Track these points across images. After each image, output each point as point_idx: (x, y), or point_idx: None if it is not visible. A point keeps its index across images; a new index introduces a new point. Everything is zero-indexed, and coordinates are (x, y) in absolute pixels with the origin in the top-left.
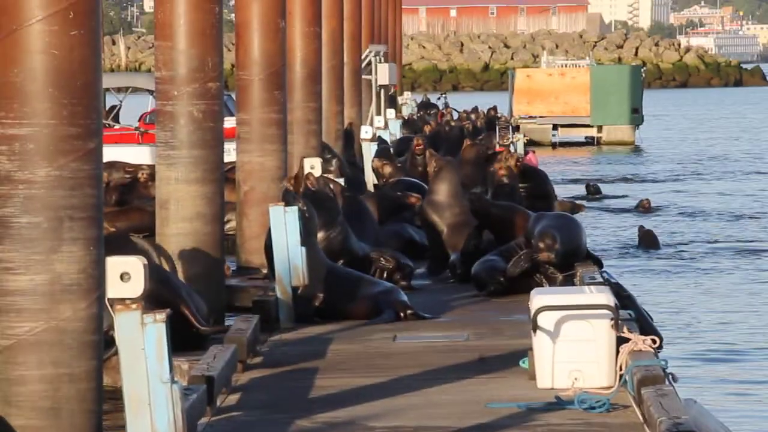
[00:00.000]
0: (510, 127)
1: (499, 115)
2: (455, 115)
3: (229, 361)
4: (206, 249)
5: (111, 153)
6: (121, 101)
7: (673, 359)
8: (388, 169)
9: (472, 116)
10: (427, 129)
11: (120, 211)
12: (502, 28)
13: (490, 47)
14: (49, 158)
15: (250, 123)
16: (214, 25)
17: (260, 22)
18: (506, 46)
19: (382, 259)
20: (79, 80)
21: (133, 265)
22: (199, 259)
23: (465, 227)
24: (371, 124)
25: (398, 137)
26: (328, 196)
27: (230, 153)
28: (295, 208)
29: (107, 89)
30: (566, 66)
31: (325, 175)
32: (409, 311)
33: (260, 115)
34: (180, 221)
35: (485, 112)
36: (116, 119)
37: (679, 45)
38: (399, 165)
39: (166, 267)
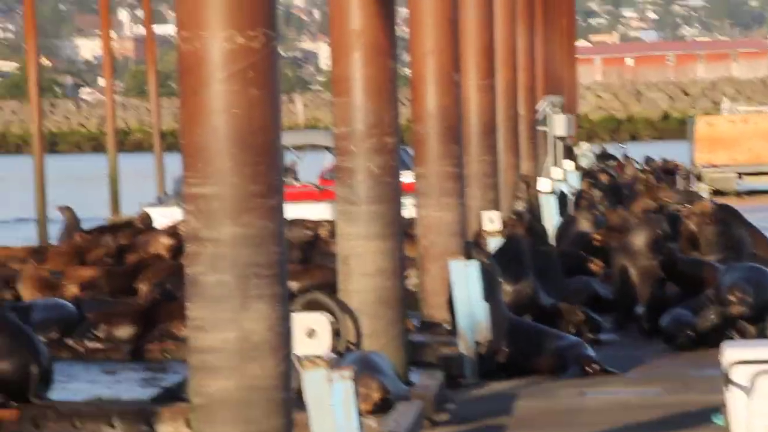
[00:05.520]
0: (691, 176)
1: (677, 164)
2: (636, 166)
3: (416, 418)
4: (388, 304)
5: (291, 210)
6: (299, 158)
7: None
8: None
9: (653, 166)
10: (603, 178)
11: (303, 268)
12: (680, 75)
13: (668, 95)
14: (233, 216)
15: (427, 177)
16: (389, 80)
17: (435, 76)
18: (685, 93)
19: (572, 311)
20: (260, 138)
21: (319, 322)
22: (382, 315)
23: (651, 279)
24: (549, 176)
25: (577, 189)
26: (520, 249)
27: (408, 208)
28: (475, 262)
29: (286, 147)
30: (749, 112)
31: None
32: (595, 366)
33: (437, 168)
34: (361, 277)
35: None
36: (296, 177)
37: None
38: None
39: (349, 324)
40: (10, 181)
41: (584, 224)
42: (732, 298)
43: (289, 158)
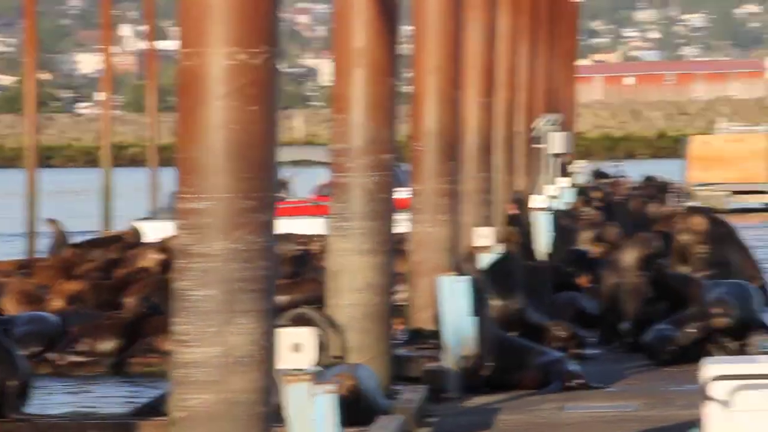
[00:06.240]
0: (683, 194)
1: (671, 182)
2: (630, 184)
3: (398, 431)
4: (376, 320)
5: (286, 225)
6: (296, 174)
7: None
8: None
9: (647, 184)
10: (597, 195)
11: (293, 282)
12: (679, 95)
13: (666, 114)
14: (225, 231)
15: (422, 193)
16: (389, 98)
17: (435, 94)
18: (683, 113)
19: (557, 328)
20: (256, 154)
21: (305, 337)
22: (369, 330)
23: (638, 295)
24: (544, 193)
25: (571, 206)
26: (511, 265)
27: (401, 224)
28: (465, 278)
29: (283, 162)
30: (743, 132)
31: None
32: (577, 381)
33: (433, 185)
34: (350, 292)
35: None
36: (291, 192)
37: None
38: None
39: (335, 338)
40: (2, 195)
41: (583, 240)
42: (715, 311)
43: (285, 174)
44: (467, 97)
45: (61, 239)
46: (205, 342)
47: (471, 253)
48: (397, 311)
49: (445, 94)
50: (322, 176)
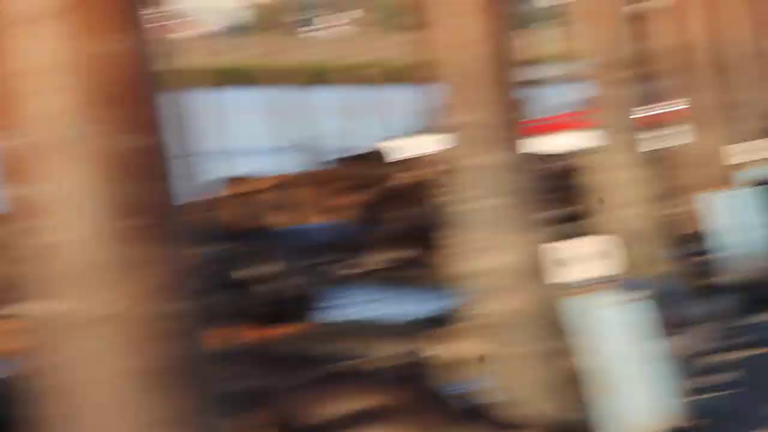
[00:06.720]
0: None
1: None
2: None
3: (705, 340)
4: (648, 233)
5: (546, 141)
6: (544, 92)
7: None
8: None
9: None
10: None
11: (559, 197)
12: None
13: None
14: (496, 144)
15: (692, 108)
16: (645, 12)
17: (700, 6)
18: None
19: None
20: (508, 72)
21: (605, 246)
22: (644, 243)
23: None
24: None
25: None
26: None
27: (661, 139)
28: (739, 192)
29: (535, 80)
30: None
31: None
32: None
33: (702, 98)
34: (619, 206)
35: None
36: (546, 109)
37: None
38: None
39: (616, 253)
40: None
41: None
42: None
43: (533, 91)
44: (733, 5)
45: (315, 156)
46: (493, 252)
47: (746, 166)
48: (671, 226)
49: (708, 5)
50: (571, 92)
